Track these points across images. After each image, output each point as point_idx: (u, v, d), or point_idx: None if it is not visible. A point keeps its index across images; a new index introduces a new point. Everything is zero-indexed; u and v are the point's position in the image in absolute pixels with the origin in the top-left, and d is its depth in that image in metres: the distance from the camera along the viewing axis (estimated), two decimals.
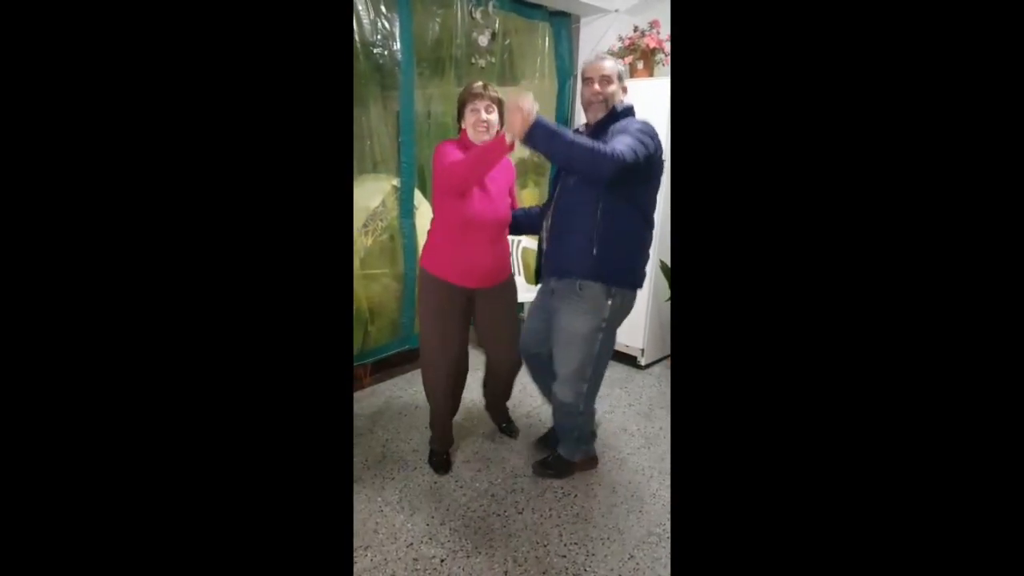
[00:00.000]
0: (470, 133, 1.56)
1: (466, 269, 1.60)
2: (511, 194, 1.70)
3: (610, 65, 1.51)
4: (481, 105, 1.52)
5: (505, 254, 1.70)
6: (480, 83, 1.55)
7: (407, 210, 2.30)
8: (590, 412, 1.73)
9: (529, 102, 1.26)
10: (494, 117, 1.55)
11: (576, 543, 1.53)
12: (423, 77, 2.29)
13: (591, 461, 1.85)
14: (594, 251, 1.47)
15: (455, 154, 1.53)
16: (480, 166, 1.43)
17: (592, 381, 1.63)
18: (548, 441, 1.93)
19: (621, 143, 1.34)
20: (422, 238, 2.40)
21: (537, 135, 1.28)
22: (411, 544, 1.51)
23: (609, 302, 1.51)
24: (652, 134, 1.42)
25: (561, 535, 1.56)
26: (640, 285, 1.59)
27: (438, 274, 1.60)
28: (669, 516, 1.65)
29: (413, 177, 2.31)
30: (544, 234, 1.63)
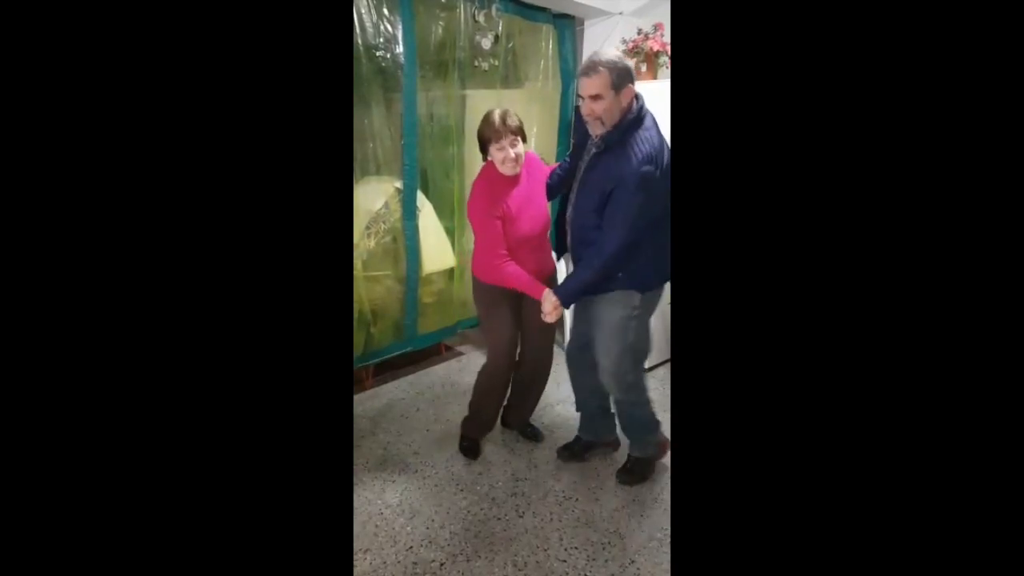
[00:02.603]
0: (500, 169, 1.58)
1: None
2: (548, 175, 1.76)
3: (598, 79, 1.36)
4: (505, 143, 1.53)
5: (548, 254, 1.78)
6: (498, 116, 1.52)
7: (410, 212, 2.30)
8: (644, 403, 1.74)
9: (552, 306, 1.58)
10: (520, 148, 1.56)
11: (577, 547, 1.52)
12: (425, 80, 2.29)
13: (663, 447, 1.85)
14: (620, 275, 1.53)
15: (495, 224, 1.58)
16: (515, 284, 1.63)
17: (634, 372, 1.66)
18: (573, 449, 1.91)
19: (612, 233, 1.44)
20: (425, 240, 2.41)
21: (569, 303, 1.60)
22: (411, 547, 1.50)
23: (638, 297, 1.57)
24: (647, 184, 1.39)
25: (562, 539, 1.55)
26: (668, 278, 1.64)
27: (489, 280, 1.69)
28: (670, 521, 1.64)
29: (416, 179, 2.31)
30: (569, 245, 1.66)
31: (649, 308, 1.63)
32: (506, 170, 1.57)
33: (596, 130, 1.45)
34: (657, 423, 1.82)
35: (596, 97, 1.39)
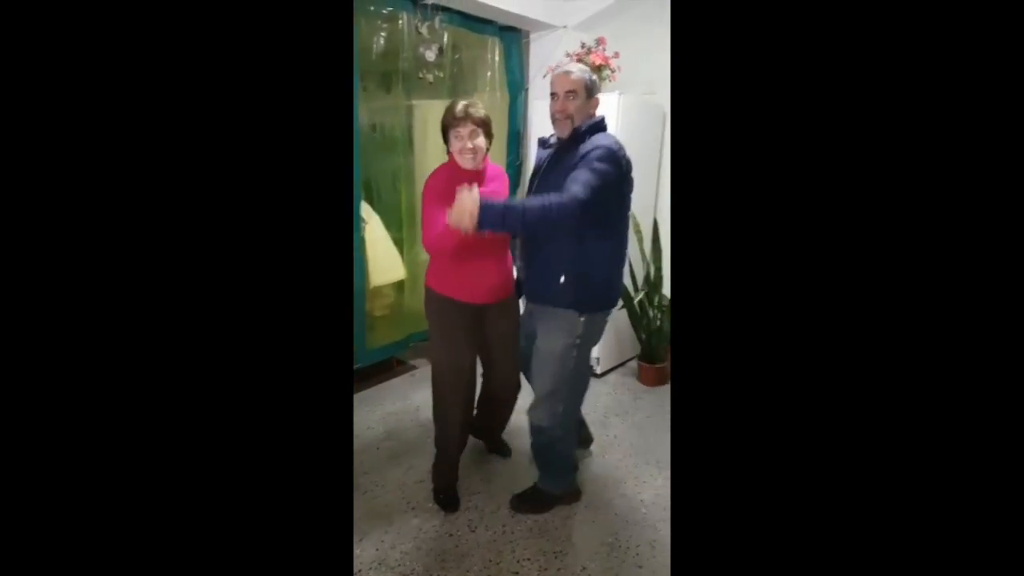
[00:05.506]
0: (457, 159, 1.50)
1: (472, 285, 1.55)
2: None
3: (576, 77, 1.43)
4: (464, 132, 1.44)
5: (509, 268, 1.64)
6: (461, 106, 1.45)
7: (354, 224, 2.26)
8: (569, 438, 1.67)
9: (468, 199, 1.23)
10: (480, 142, 1.47)
11: (528, 558, 1.52)
12: (368, 91, 2.27)
13: (573, 494, 1.76)
14: (563, 279, 1.44)
15: (440, 214, 1.37)
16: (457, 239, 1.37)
17: (568, 403, 1.57)
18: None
19: (577, 183, 1.32)
20: (372, 252, 2.37)
21: (487, 222, 1.27)
22: (359, 571, 1.45)
23: (582, 319, 1.48)
24: (615, 159, 1.38)
25: (514, 551, 1.54)
26: (614, 304, 1.56)
27: (444, 292, 1.56)
28: (622, 525, 1.66)
29: (359, 191, 2.27)
30: (516, 258, 1.60)
31: (591, 337, 1.54)
32: (464, 162, 1.48)
33: (564, 131, 1.45)
34: (576, 467, 1.77)
35: (572, 93, 1.43)
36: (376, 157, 2.37)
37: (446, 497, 1.72)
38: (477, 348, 1.62)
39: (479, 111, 1.47)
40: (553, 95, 1.46)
